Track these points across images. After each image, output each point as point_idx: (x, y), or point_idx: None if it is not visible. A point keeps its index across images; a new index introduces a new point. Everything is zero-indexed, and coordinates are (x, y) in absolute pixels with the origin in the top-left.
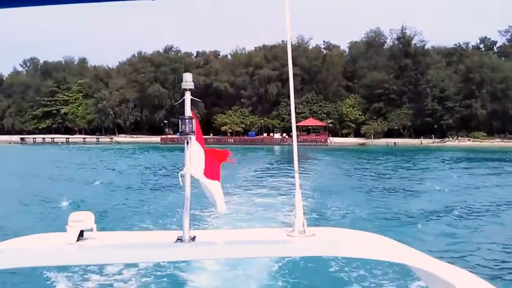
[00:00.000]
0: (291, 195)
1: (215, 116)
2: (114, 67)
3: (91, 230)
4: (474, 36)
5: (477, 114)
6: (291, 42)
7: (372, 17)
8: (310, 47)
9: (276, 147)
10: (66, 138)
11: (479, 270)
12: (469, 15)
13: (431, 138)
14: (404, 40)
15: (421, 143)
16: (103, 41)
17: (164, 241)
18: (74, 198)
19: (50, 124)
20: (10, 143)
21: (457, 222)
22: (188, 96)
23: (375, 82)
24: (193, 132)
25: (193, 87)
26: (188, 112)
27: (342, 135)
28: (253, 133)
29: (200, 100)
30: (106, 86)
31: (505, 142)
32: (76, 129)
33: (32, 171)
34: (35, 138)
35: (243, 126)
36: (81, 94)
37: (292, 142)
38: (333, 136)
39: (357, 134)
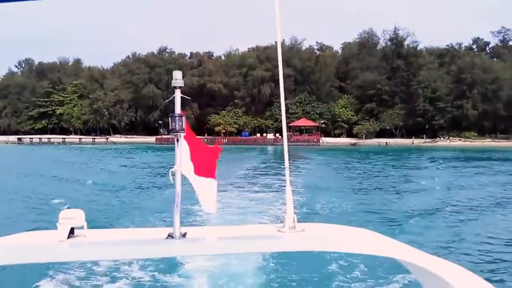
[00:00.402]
0: (282, 191)
1: (208, 117)
2: (109, 68)
3: (82, 227)
4: (468, 37)
5: (468, 114)
6: (285, 43)
7: (366, 17)
8: (303, 48)
9: (269, 147)
10: (63, 138)
11: (468, 264)
12: (463, 16)
13: (423, 138)
14: (396, 41)
15: (413, 143)
16: (97, 42)
17: (154, 238)
18: (70, 196)
19: (45, 125)
20: (7, 143)
21: (445, 218)
22: (178, 94)
23: (368, 83)
24: (183, 129)
25: (183, 85)
26: (178, 109)
27: (335, 135)
28: (246, 133)
29: (189, 98)
30: (101, 87)
31: (495, 142)
32: (72, 129)
33: (32, 170)
34: (32, 138)
35: (237, 126)
36: (76, 94)
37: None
38: (326, 136)
39: (350, 134)
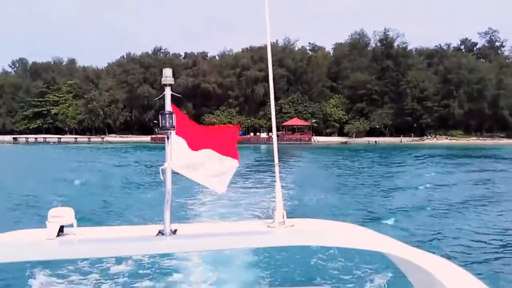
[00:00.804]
0: (274, 186)
1: (203, 116)
2: (103, 68)
3: (71, 225)
4: (456, 38)
5: (455, 113)
6: (278, 44)
7: (357, 18)
8: (296, 48)
9: (263, 146)
10: (58, 138)
11: (452, 257)
12: (452, 17)
13: (411, 136)
14: (386, 42)
15: (401, 141)
16: (91, 42)
17: (145, 235)
18: (64, 194)
19: (40, 124)
20: (3, 143)
21: (430, 213)
22: (168, 92)
23: (358, 83)
24: (173, 127)
25: (173, 83)
26: (168, 107)
27: (326, 134)
28: (240, 132)
29: (180, 95)
30: (96, 87)
31: (480, 140)
32: (67, 129)
33: (30, 169)
34: (28, 138)
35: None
36: (71, 94)
37: (278, 141)
38: (317, 135)
39: (341, 133)
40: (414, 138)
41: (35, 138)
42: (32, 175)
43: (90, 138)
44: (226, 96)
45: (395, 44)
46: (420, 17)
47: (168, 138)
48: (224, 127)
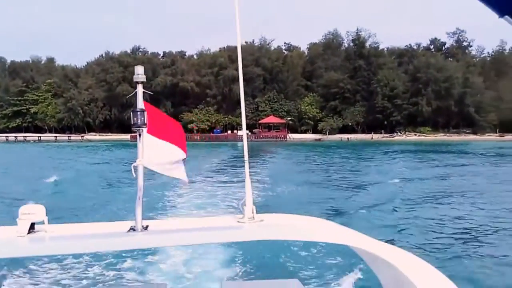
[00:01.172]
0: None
1: (182, 115)
2: (82, 66)
3: (43, 222)
4: (426, 38)
5: (423, 111)
6: (254, 44)
7: (332, 18)
8: (272, 48)
9: (240, 143)
10: (38, 136)
11: (416, 249)
12: (424, 17)
13: (381, 133)
14: (358, 42)
15: (372, 138)
16: (69, 41)
17: (116, 231)
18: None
19: (20, 123)
20: None
21: (397, 207)
22: (140, 89)
23: (332, 82)
24: (145, 124)
25: (144, 80)
26: (140, 104)
27: (301, 132)
28: (218, 130)
29: (152, 93)
30: (75, 86)
31: (447, 136)
32: (46, 128)
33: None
34: (8, 136)
35: (209, 124)
36: (50, 93)
37: (254, 138)
38: (293, 132)
39: (315, 131)
40: (385, 135)
41: (15, 136)
42: (8, 173)
43: (70, 136)
44: (204, 95)
45: (367, 44)
46: (394, 17)
47: (140, 135)
48: (176, 122)
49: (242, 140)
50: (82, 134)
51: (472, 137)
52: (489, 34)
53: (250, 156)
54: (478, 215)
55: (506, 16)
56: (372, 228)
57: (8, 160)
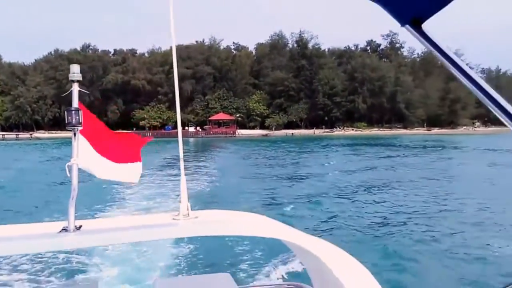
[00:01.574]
0: (197, 173)
1: (133, 112)
2: (31, 64)
3: None
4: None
5: (359, 107)
6: (204, 43)
7: (279, 20)
8: (222, 47)
9: (191, 139)
10: None
11: (345, 241)
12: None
13: (323, 128)
14: (301, 43)
15: (314, 133)
16: (16, 37)
17: (47, 232)
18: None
19: None
20: None
21: (332, 199)
22: (75, 88)
23: (277, 80)
24: (80, 123)
25: (80, 79)
26: (75, 103)
27: (249, 128)
28: (169, 127)
29: (88, 92)
30: (23, 83)
31: (381, 130)
32: None
33: None
34: None
35: (161, 120)
36: None
37: (204, 134)
38: (241, 128)
39: (262, 126)
40: (326, 130)
41: None
42: None
43: (18, 134)
44: (156, 93)
45: (310, 45)
46: (335, 19)
47: (75, 134)
48: (128, 134)
49: (192, 136)
50: (31, 132)
51: (402, 131)
52: None
53: (198, 152)
54: (396, 199)
55: (407, 26)
56: (306, 215)
57: None
